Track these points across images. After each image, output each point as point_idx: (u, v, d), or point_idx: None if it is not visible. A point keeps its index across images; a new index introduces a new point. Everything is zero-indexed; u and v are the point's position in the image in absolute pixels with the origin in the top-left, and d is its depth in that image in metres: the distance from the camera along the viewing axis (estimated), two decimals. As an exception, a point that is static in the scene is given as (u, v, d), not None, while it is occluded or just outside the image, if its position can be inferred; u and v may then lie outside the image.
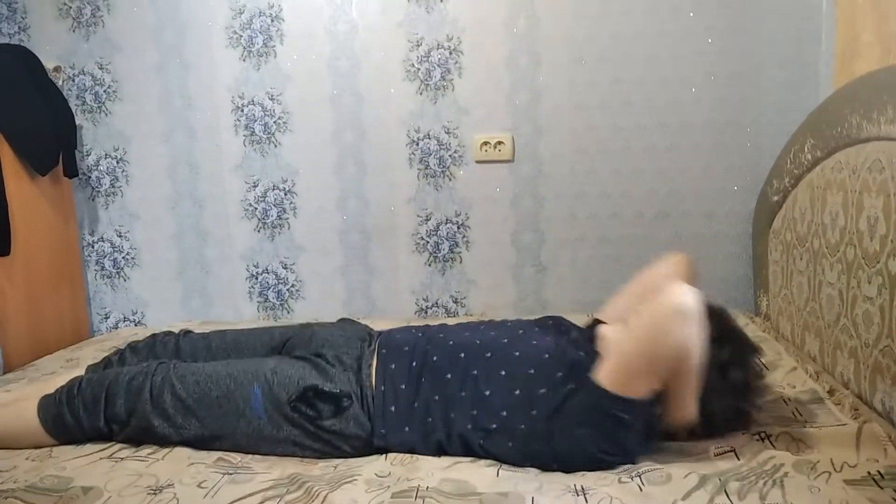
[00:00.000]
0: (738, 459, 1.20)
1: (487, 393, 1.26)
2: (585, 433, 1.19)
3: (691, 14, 2.16)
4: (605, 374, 1.19)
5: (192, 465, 1.24)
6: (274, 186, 2.39)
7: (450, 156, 2.31)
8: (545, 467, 1.22)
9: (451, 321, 1.89)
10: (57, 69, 2.35)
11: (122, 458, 1.27)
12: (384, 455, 1.28)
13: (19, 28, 2.39)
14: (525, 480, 1.17)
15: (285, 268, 2.43)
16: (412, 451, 1.27)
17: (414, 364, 1.32)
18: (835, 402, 1.40)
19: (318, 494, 1.13)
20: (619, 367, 1.19)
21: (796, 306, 1.78)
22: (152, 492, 1.16)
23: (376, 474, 1.20)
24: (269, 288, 2.45)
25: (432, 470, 1.21)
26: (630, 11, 2.18)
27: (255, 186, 2.39)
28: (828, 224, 1.59)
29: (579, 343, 1.34)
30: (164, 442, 1.31)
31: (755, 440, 1.26)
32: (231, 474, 1.21)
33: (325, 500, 1.11)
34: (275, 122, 2.36)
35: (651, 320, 1.16)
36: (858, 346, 1.43)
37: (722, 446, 1.24)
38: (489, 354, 1.31)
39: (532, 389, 1.24)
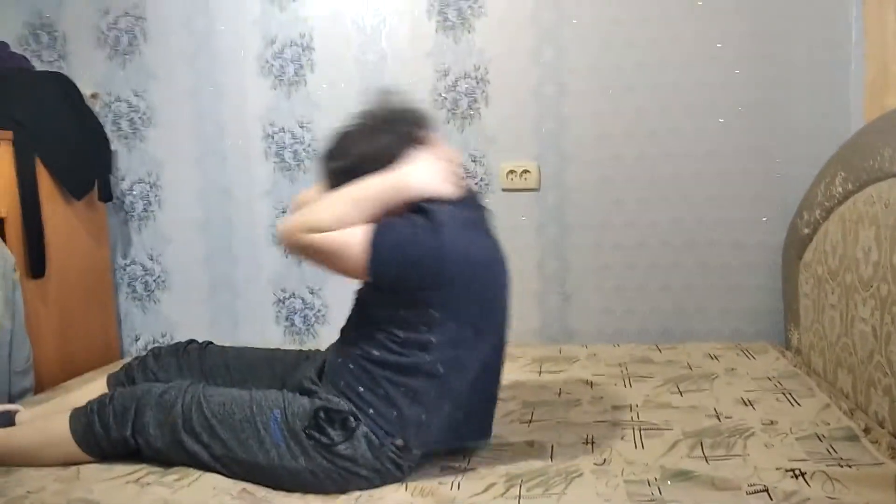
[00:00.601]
0: (771, 499, 1.17)
1: (393, 346, 1.30)
2: (414, 285, 1.27)
3: (719, 45, 2.16)
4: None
5: (216, 496, 1.24)
6: (302, 212, 2.41)
7: (476, 184, 2.32)
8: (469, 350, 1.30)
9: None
10: (94, 95, 2.42)
11: (148, 483, 1.28)
12: (403, 484, 1.27)
13: (59, 56, 2.47)
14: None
15: (311, 293, 2.45)
16: (421, 442, 1.29)
17: (352, 367, 1.34)
18: (871, 441, 1.36)
19: (342, 526, 1.12)
20: (344, 276, 1.31)
21: (828, 341, 1.75)
22: (178, 519, 1.16)
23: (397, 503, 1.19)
24: (296, 313, 2.47)
25: (452, 500, 1.20)
26: (656, 41, 2.19)
27: (283, 212, 2.42)
28: (860, 259, 1.57)
29: None
30: (191, 459, 1.32)
31: (789, 477, 1.23)
32: (254, 505, 1.21)
33: (349, 531, 1.11)
34: (304, 149, 2.39)
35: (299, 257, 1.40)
36: (893, 384, 1.39)
37: (755, 485, 1.22)
38: (363, 334, 1.36)
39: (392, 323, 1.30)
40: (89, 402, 1.40)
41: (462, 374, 1.30)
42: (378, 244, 1.23)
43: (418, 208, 1.28)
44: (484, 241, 1.35)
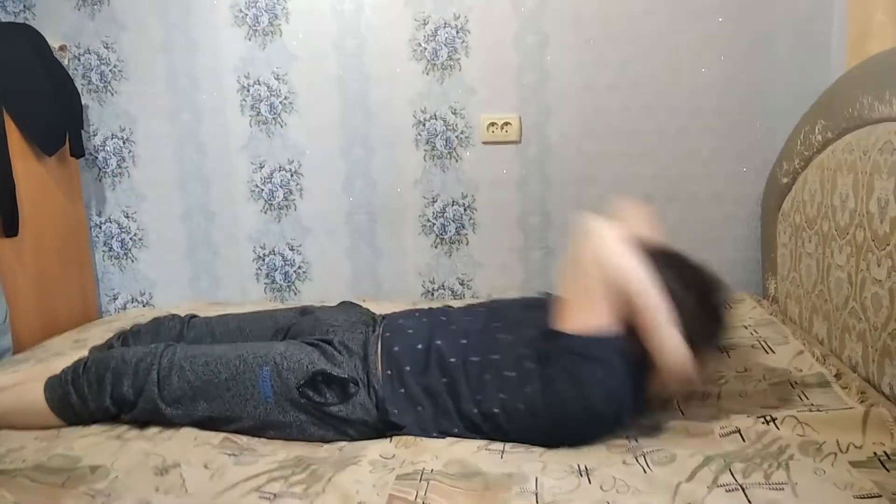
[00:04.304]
0: (744, 441, 1.19)
1: (487, 378, 1.27)
2: (567, 389, 1.21)
3: (702, -7, 2.13)
4: (561, 321, 1.24)
5: (199, 446, 1.25)
6: (280, 167, 2.38)
7: (456, 137, 2.30)
8: (551, 442, 1.23)
9: (456, 303, 1.91)
10: (62, 48, 2.34)
11: (129, 438, 1.28)
12: (389, 438, 1.28)
13: (24, 6, 2.38)
14: (529, 461, 1.17)
15: (292, 249, 2.43)
16: (424, 432, 1.27)
17: (419, 347, 1.33)
18: (842, 386, 1.39)
19: (323, 476, 1.13)
20: (567, 309, 1.24)
21: (804, 289, 1.77)
22: (159, 472, 1.17)
23: (381, 455, 1.21)
24: (276, 269, 2.45)
25: (437, 452, 1.21)
26: (639, -10, 2.15)
27: (261, 167, 2.39)
28: (837, 206, 1.58)
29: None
30: (171, 424, 1.32)
31: (761, 423, 1.26)
32: (236, 455, 1.22)
33: (330, 481, 1.12)
34: (281, 102, 2.34)
35: (575, 256, 1.25)
36: (867, 329, 1.42)
37: (727, 427, 1.24)
38: (485, 339, 1.33)
39: (522, 367, 1.26)
40: (64, 371, 1.38)
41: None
42: (607, 343, 1.20)
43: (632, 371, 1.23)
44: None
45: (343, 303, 1.68)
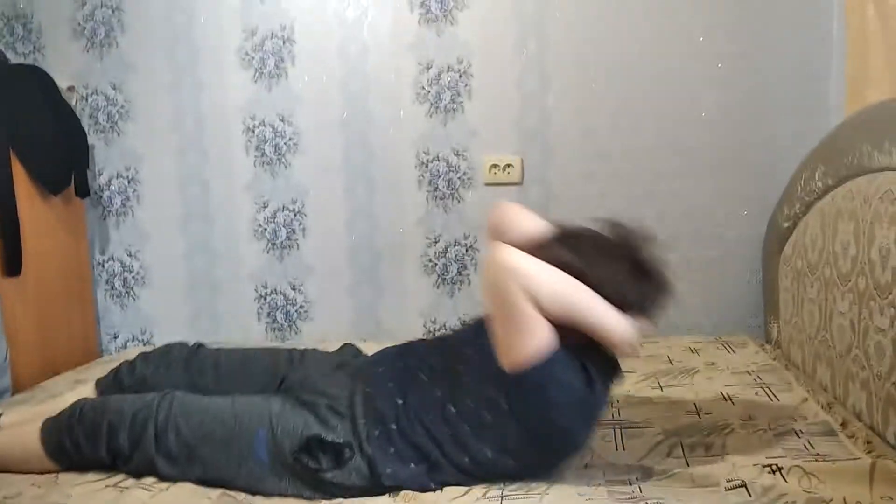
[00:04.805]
0: (750, 496, 1.18)
1: (467, 428, 1.25)
2: (542, 423, 1.21)
3: (701, 38, 2.16)
4: (505, 356, 1.22)
5: (197, 499, 1.23)
6: (283, 207, 2.39)
7: (459, 178, 2.31)
8: (548, 468, 1.26)
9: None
10: (71, 89, 2.37)
11: (126, 487, 1.26)
12: (388, 493, 1.25)
13: (34, 48, 2.42)
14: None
15: (294, 288, 2.43)
16: (422, 487, 1.25)
17: (400, 403, 1.29)
18: (847, 435, 1.37)
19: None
20: (500, 344, 1.22)
21: (807, 335, 1.76)
22: (156, 523, 1.15)
23: (382, 510, 1.19)
24: (278, 308, 2.45)
25: (434, 502, 1.19)
26: (639, 35, 2.18)
27: (264, 207, 2.40)
28: (839, 253, 1.58)
29: None
30: (169, 479, 1.30)
31: (766, 472, 1.25)
32: (234, 510, 1.21)
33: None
34: (285, 143, 2.37)
35: (487, 287, 1.24)
36: (871, 377, 1.41)
37: (733, 480, 1.23)
38: (455, 387, 1.29)
39: (496, 410, 1.24)
40: (61, 415, 1.36)
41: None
42: (550, 368, 1.18)
43: (590, 375, 1.22)
44: (592, 432, 1.31)
45: (344, 346, 1.66)
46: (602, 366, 1.27)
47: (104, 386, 1.55)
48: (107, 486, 1.27)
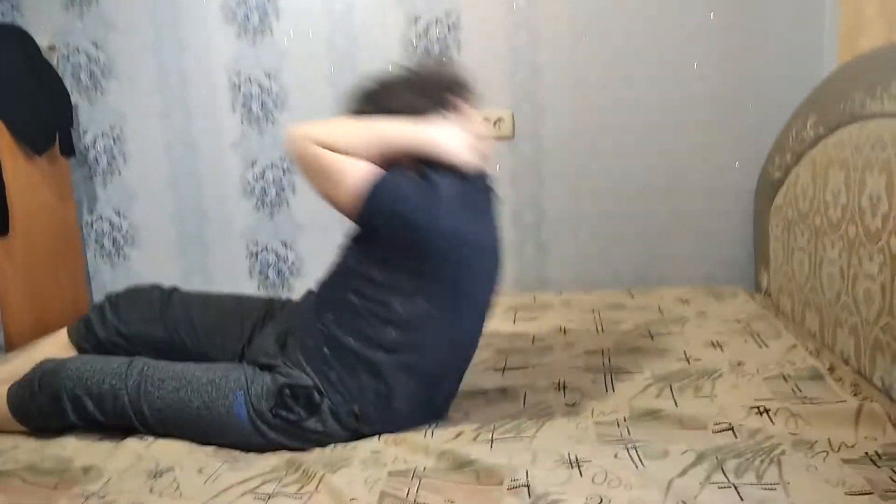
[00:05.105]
0: (736, 437, 1.20)
1: (377, 301, 1.26)
2: (407, 241, 1.24)
3: (694, -12, 2.13)
4: (343, 214, 1.28)
5: (192, 453, 1.24)
6: (272, 165, 2.37)
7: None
8: (463, 302, 1.29)
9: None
10: (52, 48, 2.33)
11: (122, 439, 1.27)
12: (378, 436, 1.27)
13: (12, 6, 2.36)
14: (519, 451, 1.18)
15: (285, 246, 2.43)
16: (386, 408, 1.27)
17: (320, 327, 1.30)
18: (835, 379, 1.39)
19: (315, 475, 1.13)
20: (334, 204, 1.28)
21: (797, 283, 1.77)
22: (152, 475, 1.16)
23: (371, 452, 1.21)
24: (269, 266, 2.45)
25: (426, 446, 1.21)
26: (631, -15, 2.15)
27: (253, 165, 2.38)
28: (829, 201, 1.58)
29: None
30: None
31: (754, 414, 1.26)
32: (230, 462, 1.21)
33: (322, 480, 1.12)
34: (272, 99, 2.34)
35: (296, 165, 1.38)
36: (859, 323, 1.42)
37: (720, 423, 1.24)
38: (346, 283, 1.31)
39: (380, 267, 1.28)
40: (23, 381, 1.33)
41: (424, 353, 1.27)
42: (378, 187, 1.21)
43: (425, 173, 1.24)
44: (480, 225, 1.31)
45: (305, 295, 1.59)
46: (447, 168, 1.27)
47: (76, 335, 1.50)
48: (102, 439, 1.28)
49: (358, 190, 1.21)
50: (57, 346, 1.50)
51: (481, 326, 1.37)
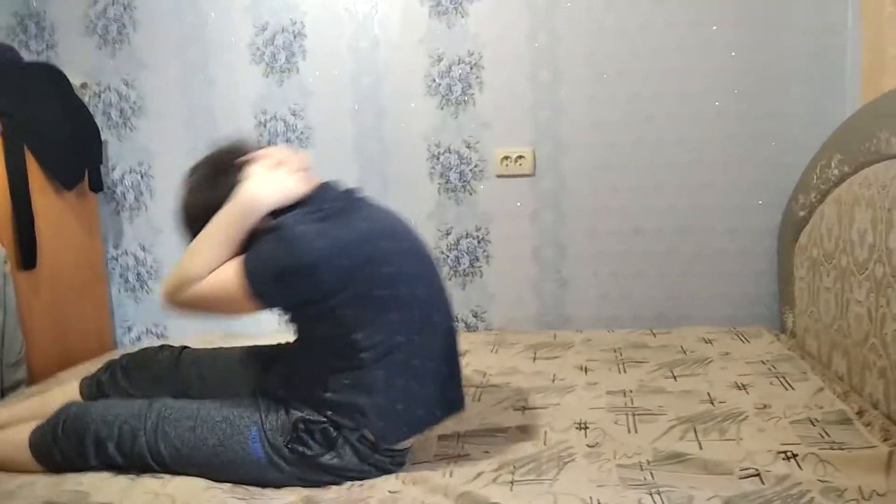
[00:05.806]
0: (763, 483, 1.16)
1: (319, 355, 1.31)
2: (302, 296, 1.25)
3: (714, 28, 2.14)
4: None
5: (209, 489, 1.23)
6: (295, 201, 2.40)
7: (470, 170, 2.31)
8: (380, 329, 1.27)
9: (470, 336, 1.89)
10: (84, 85, 2.40)
11: (139, 476, 1.27)
12: (395, 475, 1.26)
13: (47, 45, 2.44)
14: (539, 494, 1.16)
15: (306, 282, 2.43)
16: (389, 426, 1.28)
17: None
18: (864, 423, 1.36)
19: (334, 514, 1.12)
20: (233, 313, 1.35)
21: (823, 324, 1.74)
22: (168, 511, 1.16)
23: (389, 492, 1.19)
24: (290, 302, 2.45)
25: (445, 486, 1.20)
26: (651, 25, 2.17)
27: (276, 201, 2.40)
28: (856, 241, 1.56)
29: None
30: None
31: (781, 459, 1.23)
32: (246, 499, 1.21)
33: (341, 520, 1.11)
34: (297, 136, 2.37)
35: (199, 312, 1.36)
36: (888, 366, 1.39)
37: (747, 468, 1.21)
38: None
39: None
40: (47, 423, 1.34)
41: (401, 350, 1.27)
42: (250, 271, 1.21)
43: (269, 224, 1.25)
44: (351, 226, 1.28)
45: None
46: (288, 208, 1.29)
47: (87, 390, 1.52)
48: (119, 475, 1.28)
49: (244, 290, 1.21)
50: (68, 399, 1.49)
51: (440, 299, 1.36)
